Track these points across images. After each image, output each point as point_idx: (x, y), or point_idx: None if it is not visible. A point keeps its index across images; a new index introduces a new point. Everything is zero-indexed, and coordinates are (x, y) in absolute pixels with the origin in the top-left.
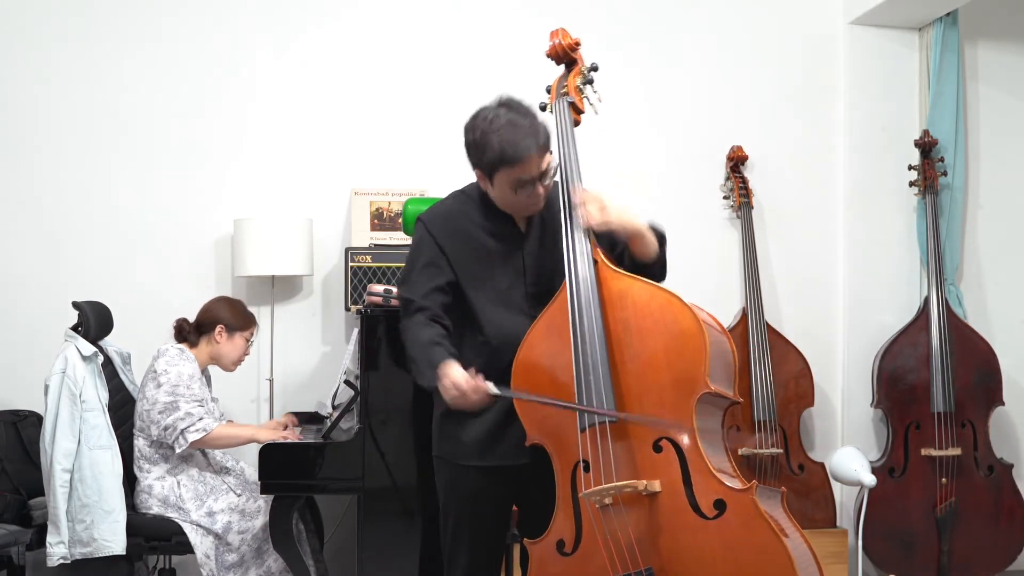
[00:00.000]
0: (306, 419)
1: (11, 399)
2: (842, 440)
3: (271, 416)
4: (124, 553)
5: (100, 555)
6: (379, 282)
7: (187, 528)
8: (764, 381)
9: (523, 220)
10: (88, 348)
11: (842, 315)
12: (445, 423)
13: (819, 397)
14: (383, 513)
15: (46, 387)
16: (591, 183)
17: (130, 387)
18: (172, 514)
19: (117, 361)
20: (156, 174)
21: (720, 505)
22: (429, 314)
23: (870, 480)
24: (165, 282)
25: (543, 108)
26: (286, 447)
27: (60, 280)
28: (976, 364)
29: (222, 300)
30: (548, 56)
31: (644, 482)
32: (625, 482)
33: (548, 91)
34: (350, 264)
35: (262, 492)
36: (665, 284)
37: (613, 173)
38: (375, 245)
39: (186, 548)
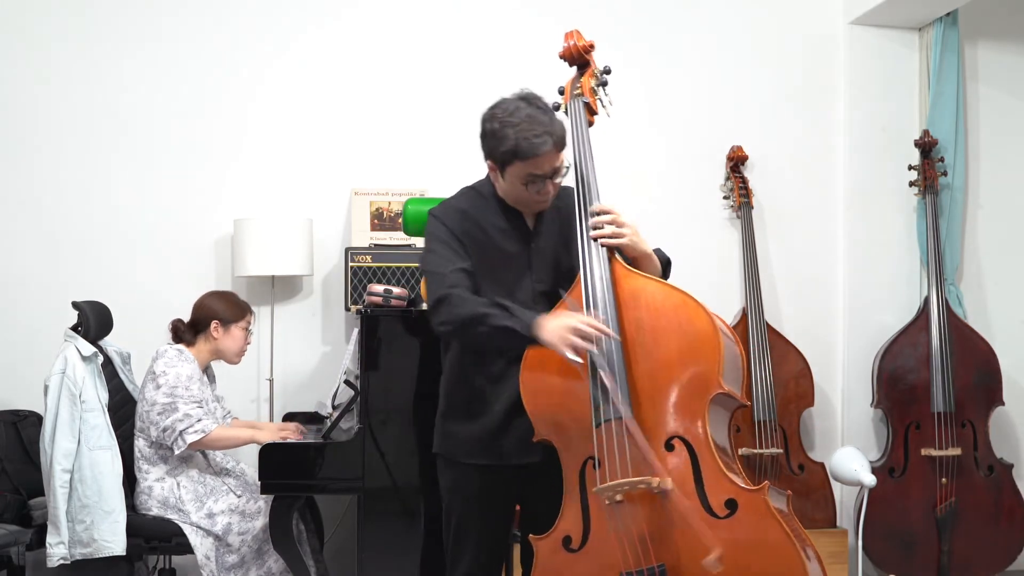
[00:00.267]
0: (306, 419)
1: (11, 399)
2: (842, 440)
3: (271, 416)
4: (124, 553)
5: (100, 555)
6: (379, 282)
7: (187, 529)
8: (764, 381)
9: (532, 217)
10: (88, 348)
11: (842, 315)
12: (447, 421)
13: (819, 397)
14: (383, 513)
15: (46, 387)
16: (607, 196)
17: (130, 387)
18: (172, 515)
19: (117, 361)
20: (156, 174)
21: (731, 504)
22: (467, 287)
23: (870, 480)
24: (165, 282)
25: (556, 108)
26: (286, 447)
27: (60, 280)
28: (976, 364)
29: (213, 295)
30: (562, 57)
31: (657, 479)
32: (640, 478)
33: (561, 92)
34: (350, 264)
35: (262, 492)
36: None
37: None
38: (375, 245)
39: (186, 549)
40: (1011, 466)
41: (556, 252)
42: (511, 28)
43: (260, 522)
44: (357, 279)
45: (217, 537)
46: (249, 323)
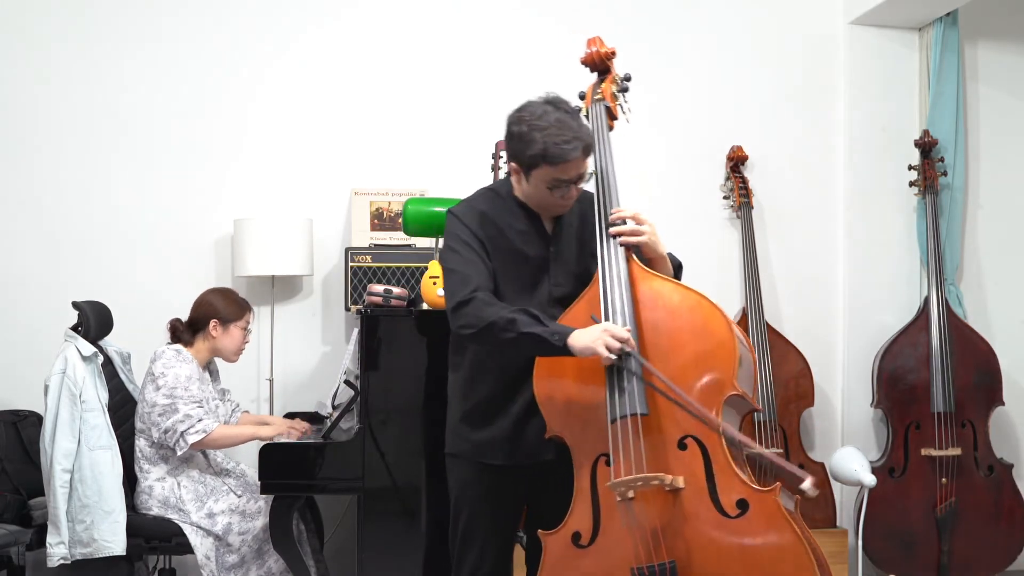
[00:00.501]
0: (306, 419)
1: (11, 399)
2: (842, 440)
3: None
4: (124, 553)
5: (100, 555)
6: (379, 282)
7: (187, 529)
8: (764, 381)
9: (550, 221)
10: (88, 348)
11: (842, 315)
12: (463, 423)
13: (819, 397)
14: (383, 513)
15: (46, 387)
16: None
17: (130, 387)
18: (172, 515)
19: (117, 361)
20: (156, 174)
21: (743, 504)
22: (489, 290)
23: (870, 480)
24: (165, 282)
25: (577, 112)
26: (286, 447)
27: (60, 280)
28: (976, 364)
29: (213, 293)
30: (583, 63)
31: (670, 476)
32: (654, 474)
33: (582, 97)
34: (350, 264)
35: (262, 492)
36: None
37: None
38: (375, 245)
39: (186, 548)
40: (1011, 466)
41: (574, 256)
42: (511, 28)
43: (260, 522)
44: (357, 279)
45: (217, 537)
46: (248, 322)
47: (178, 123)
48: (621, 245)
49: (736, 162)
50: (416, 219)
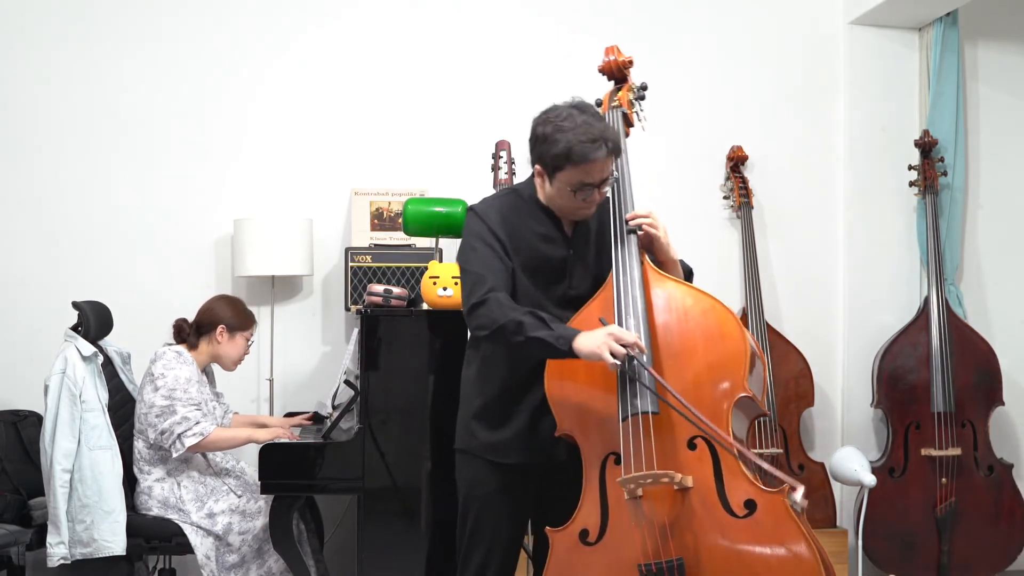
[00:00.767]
0: (306, 419)
1: (11, 399)
2: (842, 440)
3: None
4: (124, 553)
5: (100, 555)
6: (379, 282)
7: (187, 529)
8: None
9: (570, 225)
10: (88, 348)
11: (842, 315)
12: (476, 422)
13: (819, 397)
14: (383, 513)
15: (46, 387)
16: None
17: (130, 387)
18: (172, 515)
19: (117, 361)
20: (156, 174)
21: (751, 505)
22: (505, 291)
23: (870, 480)
24: (165, 282)
25: None
26: (286, 447)
27: (60, 280)
28: (976, 364)
29: (222, 299)
30: (601, 71)
31: (679, 475)
32: (663, 471)
33: (598, 104)
34: (350, 264)
35: (262, 492)
36: None
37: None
38: (375, 245)
39: (186, 548)
40: (1011, 466)
41: (592, 259)
42: (511, 28)
43: (260, 522)
44: (357, 279)
45: (217, 537)
46: (252, 333)
47: (178, 123)
48: (636, 234)
49: (736, 162)
50: (416, 219)
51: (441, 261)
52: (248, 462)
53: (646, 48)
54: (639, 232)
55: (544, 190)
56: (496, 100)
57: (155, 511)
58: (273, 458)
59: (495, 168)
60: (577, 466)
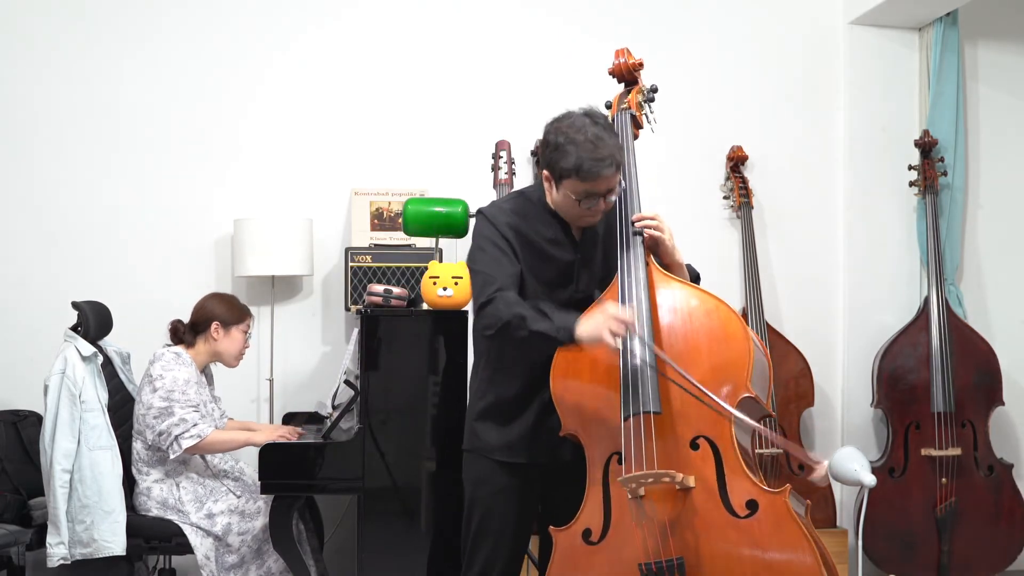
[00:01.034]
0: (306, 419)
1: (11, 399)
2: (842, 440)
3: (271, 417)
4: (124, 554)
5: (100, 555)
6: (379, 282)
7: (187, 530)
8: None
9: (578, 229)
10: (88, 348)
11: (842, 315)
12: (482, 421)
13: (819, 397)
14: (383, 513)
15: (46, 387)
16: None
17: (129, 387)
18: (172, 516)
19: (117, 361)
20: (156, 174)
21: (752, 505)
22: (513, 291)
23: (870, 480)
24: (165, 282)
25: None
26: (286, 447)
27: (60, 280)
28: (976, 364)
29: (214, 296)
30: (611, 74)
31: (681, 475)
32: (664, 471)
33: (608, 106)
34: (350, 264)
35: (262, 492)
36: None
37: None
38: (375, 245)
39: (186, 549)
40: (1011, 466)
41: (600, 263)
42: (511, 28)
43: (260, 522)
44: (357, 279)
45: (217, 537)
46: (249, 326)
47: (178, 123)
48: (642, 236)
49: (736, 162)
50: (416, 219)
51: (441, 261)
52: (247, 463)
53: (647, 48)
54: (644, 235)
55: (551, 195)
56: (496, 100)
57: (154, 512)
58: (273, 458)
59: (495, 168)
60: (582, 466)
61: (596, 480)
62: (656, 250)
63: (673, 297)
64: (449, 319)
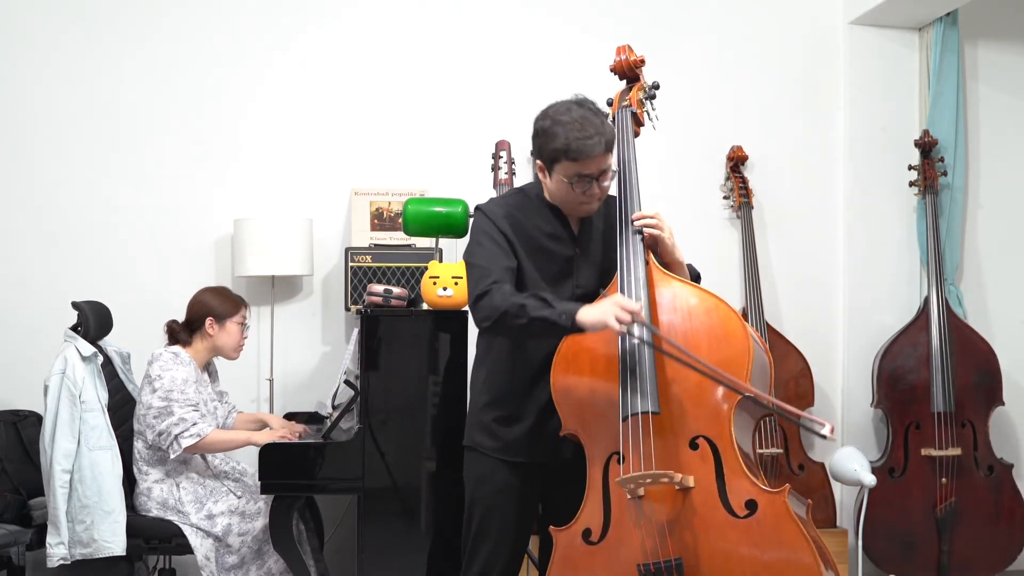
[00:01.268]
0: (306, 419)
1: (11, 399)
2: (842, 440)
3: None
4: (124, 554)
5: (100, 556)
6: (379, 282)
7: (187, 531)
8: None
9: (577, 223)
10: (88, 348)
11: (842, 315)
12: (488, 417)
13: (819, 397)
14: (383, 513)
15: (46, 387)
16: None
17: (130, 387)
18: (172, 516)
19: (117, 361)
20: (156, 174)
21: (751, 505)
22: (509, 283)
23: (870, 480)
24: (165, 282)
25: (605, 117)
26: (286, 447)
27: (60, 280)
28: (976, 364)
29: (206, 291)
30: (612, 71)
31: (680, 475)
32: (663, 471)
33: (610, 103)
34: (350, 264)
35: (262, 492)
36: None
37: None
38: (375, 245)
39: (186, 549)
40: (1011, 466)
41: (599, 258)
42: (511, 27)
43: (260, 522)
44: (357, 279)
45: (217, 538)
46: (244, 317)
47: (178, 123)
48: (642, 234)
49: (736, 162)
50: (416, 219)
51: (441, 261)
52: (248, 463)
53: (647, 48)
54: (643, 233)
55: (547, 185)
56: (496, 100)
57: (154, 512)
58: (273, 458)
59: (495, 168)
60: (582, 465)
61: (596, 480)
62: (656, 249)
63: (673, 295)
64: (449, 319)
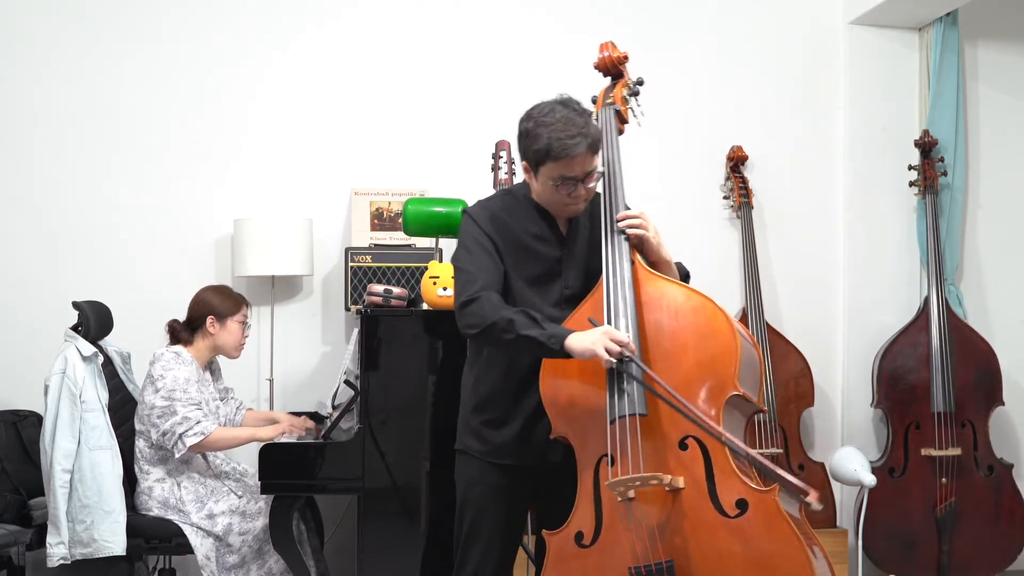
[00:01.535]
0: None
1: (11, 399)
2: (842, 440)
3: None
4: (124, 554)
5: (100, 555)
6: (379, 282)
7: (187, 530)
8: (765, 381)
9: (565, 223)
10: (88, 348)
11: (842, 315)
12: (477, 420)
13: (819, 397)
14: (383, 513)
15: (46, 387)
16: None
17: (130, 387)
18: (172, 516)
19: (117, 361)
20: (156, 174)
21: (742, 504)
22: (496, 290)
23: (870, 480)
24: (165, 282)
25: (589, 115)
26: (286, 447)
27: (60, 280)
28: (976, 364)
29: (207, 289)
30: (596, 68)
31: (669, 476)
32: (652, 473)
33: (594, 101)
34: (350, 264)
35: (262, 492)
36: None
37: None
38: (375, 245)
39: (186, 549)
40: (1011, 466)
41: (587, 258)
42: (511, 28)
43: (260, 522)
44: (357, 279)
45: (217, 537)
46: (245, 316)
47: (178, 123)
48: (626, 234)
49: (736, 162)
50: (416, 219)
51: (441, 261)
52: (248, 463)
53: (646, 48)
54: (627, 233)
55: (533, 187)
56: (496, 100)
57: (155, 511)
58: (273, 458)
59: (495, 168)
60: (574, 467)
61: (587, 483)
62: (642, 248)
63: (659, 295)
64: (449, 319)
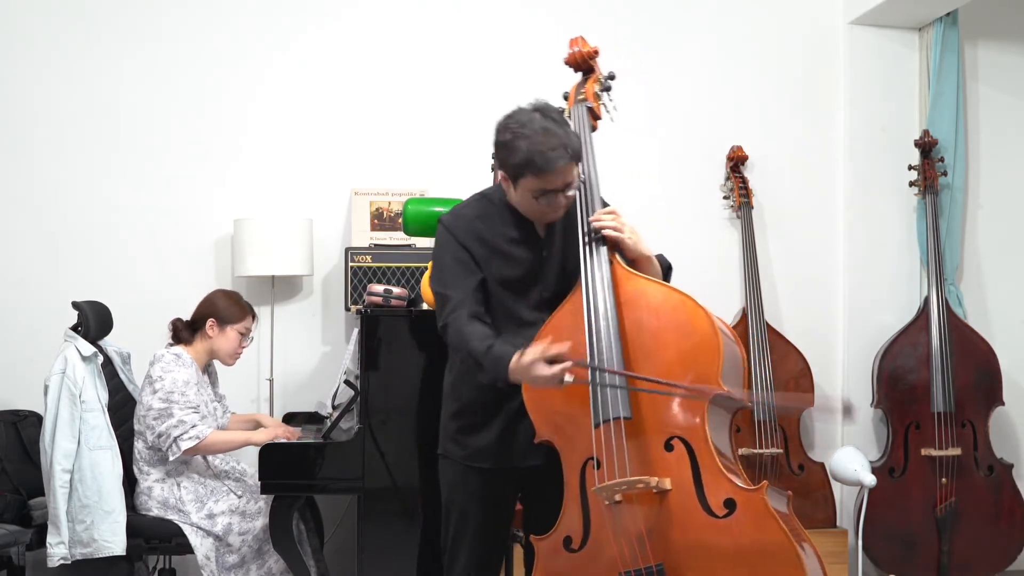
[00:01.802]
0: (306, 419)
1: (11, 399)
2: (842, 440)
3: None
4: (124, 554)
5: (100, 555)
6: (379, 282)
7: (187, 530)
8: (764, 381)
9: (543, 226)
10: (88, 348)
11: (842, 315)
12: (454, 426)
13: (819, 397)
14: (383, 513)
15: (46, 387)
16: (609, 197)
17: (130, 387)
18: (172, 516)
19: (117, 361)
20: (156, 174)
21: (730, 504)
22: (468, 311)
23: (870, 480)
24: (165, 282)
25: (561, 113)
26: (286, 447)
27: (60, 280)
28: (976, 364)
29: (219, 292)
30: (566, 63)
31: (656, 479)
32: (637, 477)
33: (565, 98)
34: (350, 264)
35: (262, 492)
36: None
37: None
38: (375, 245)
39: (186, 549)
40: (1011, 466)
41: (565, 259)
42: (511, 28)
43: (260, 522)
44: (357, 279)
45: (217, 537)
46: (248, 328)
47: (178, 123)
48: (600, 236)
49: (736, 162)
50: (416, 219)
51: None
52: (248, 463)
53: (646, 48)
54: (602, 234)
55: (510, 195)
56: (496, 100)
57: (155, 511)
58: (273, 458)
59: (495, 168)
60: (558, 470)
61: (573, 486)
62: (619, 247)
63: (638, 293)
64: None
